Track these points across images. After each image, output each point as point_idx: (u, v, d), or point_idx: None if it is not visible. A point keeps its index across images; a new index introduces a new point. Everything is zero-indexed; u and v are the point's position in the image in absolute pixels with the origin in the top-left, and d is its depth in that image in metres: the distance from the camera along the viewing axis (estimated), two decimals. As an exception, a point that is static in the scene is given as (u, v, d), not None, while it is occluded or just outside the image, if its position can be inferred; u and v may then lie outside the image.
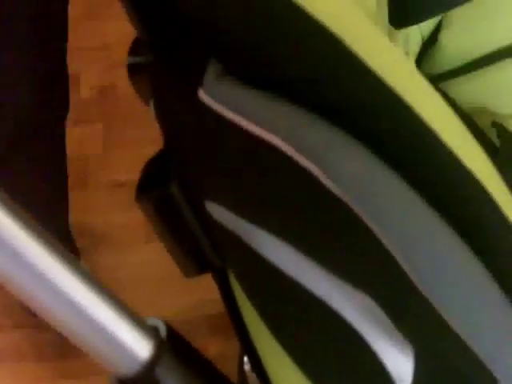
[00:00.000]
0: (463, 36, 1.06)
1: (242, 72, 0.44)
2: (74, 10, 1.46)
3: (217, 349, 1.31)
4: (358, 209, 0.43)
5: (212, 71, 0.44)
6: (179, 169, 0.50)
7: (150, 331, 0.47)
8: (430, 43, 1.07)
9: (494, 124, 1.01)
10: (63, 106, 1.27)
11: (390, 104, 0.43)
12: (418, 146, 0.44)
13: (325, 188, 0.42)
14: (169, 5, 0.46)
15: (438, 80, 1.08)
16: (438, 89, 1.08)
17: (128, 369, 0.46)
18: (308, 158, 0.42)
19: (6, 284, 0.43)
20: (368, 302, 0.46)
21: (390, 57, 0.45)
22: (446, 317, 0.45)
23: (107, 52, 1.71)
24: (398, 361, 0.47)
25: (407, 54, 1.00)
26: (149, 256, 1.41)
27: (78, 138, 1.59)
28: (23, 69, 1.10)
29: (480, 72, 1.04)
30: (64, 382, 1.33)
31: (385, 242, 0.44)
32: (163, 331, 0.48)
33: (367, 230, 0.43)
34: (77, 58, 1.66)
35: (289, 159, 0.42)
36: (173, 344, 0.48)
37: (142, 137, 1.42)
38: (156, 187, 0.51)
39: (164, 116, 0.49)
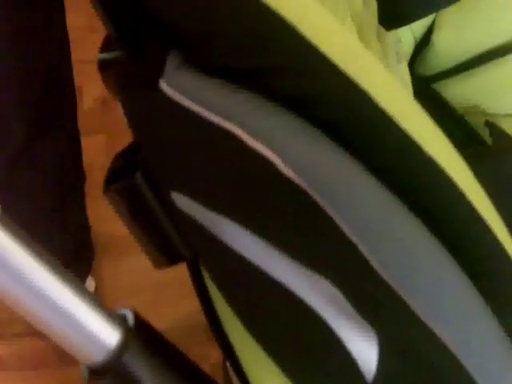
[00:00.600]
0: (455, 37, 1.06)
1: (201, 61, 0.44)
2: (76, 23, 1.48)
3: (219, 355, 1.32)
4: (316, 196, 0.43)
5: (172, 61, 0.45)
6: (145, 160, 0.51)
7: (118, 320, 0.47)
8: (423, 45, 1.08)
9: (487, 123, 1.01)
10: (68, 103, 1.27)
11: (347, 91, 0.43)
12: (374, 132, 0.44)
13: (283, 175, 0.43)
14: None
15: (430, 81, 1.08)
16: (430, 90, 1.08)
17: (97, 357, 0.47)
18: (265, 144, 0.42)
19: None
20: (331, 288, 0.46)
21: (343, 41, 0.45)
22: (410, 303, 0.45)
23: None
24: (363, 348, 0.47)
25: (398, 54, 1.00)
26: (150, 264, 1.41)
27: (82, 148, 1.60)
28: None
29: (472, 72, 1.04)
30: (66, 389, 1.34)
31: (345, 229, 0.44)
32: (131, 320, 0.49)
33: (327, 217, 0.43)
34: (80, 71, 1.67)
35: (246, 146, 0.43)
36: (140, 332, 0.48)
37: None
38: (122, 179, 0.51)
39: (129, 109, 0.50)
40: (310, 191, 0.43)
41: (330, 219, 0.43)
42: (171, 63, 0.45)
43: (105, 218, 1.55)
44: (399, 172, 0.44)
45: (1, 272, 0.45)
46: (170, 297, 1.39)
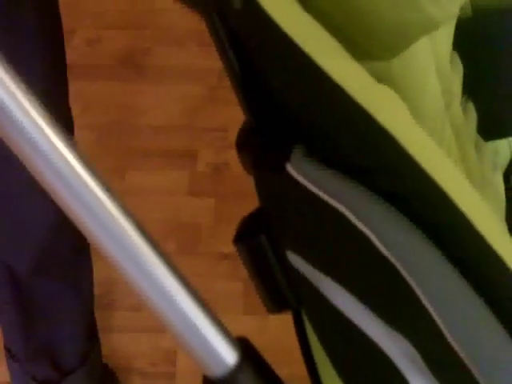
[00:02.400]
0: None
1: (322, 155, 0.58)
2: (198, 93, 1.59)
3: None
4: (403, 270, 0.55)
5: (298, 151, 0.58)
6: (268, 223, 0.64)
7: (237, 343, 0.59)
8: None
9: None
10: None
11: (430, 193, 0.54)
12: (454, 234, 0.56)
13: (378, 251, 0.55)
14: (269, 97, 0.59)
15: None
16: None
17: (216, 370, 0.59)
18: (364, 223, 0.55)
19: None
20: (411, 349, 0.57)
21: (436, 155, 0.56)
22: (475, 373, 0.55)
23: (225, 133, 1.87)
24: None
25: (495, 165, 1.06)
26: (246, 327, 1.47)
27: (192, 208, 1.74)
28: None
29: None
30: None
31: (424, 301, 0.55)
32: (244, 345, 0.60)
33: (410, 289, 0.55)
34: (197, 136, 1.82)
35: (350, 224, 0.55)
36: (252, 357, 0.60)
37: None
38: (249, 237, 0.65)
39: (260, 184, 0.63)
40: (399, 266, 0.54)
41: (412, 291, 0.54)
42: (297, 152, 0.58)
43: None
44: (479, 278, 0.55)
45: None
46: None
